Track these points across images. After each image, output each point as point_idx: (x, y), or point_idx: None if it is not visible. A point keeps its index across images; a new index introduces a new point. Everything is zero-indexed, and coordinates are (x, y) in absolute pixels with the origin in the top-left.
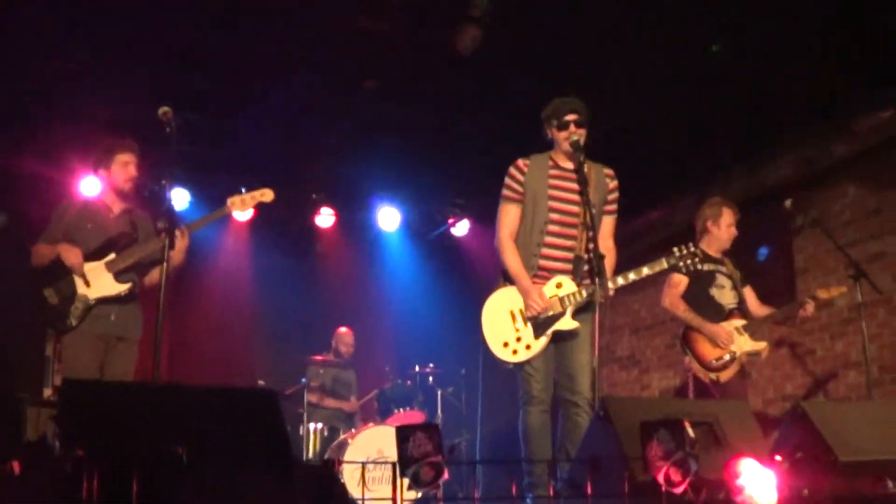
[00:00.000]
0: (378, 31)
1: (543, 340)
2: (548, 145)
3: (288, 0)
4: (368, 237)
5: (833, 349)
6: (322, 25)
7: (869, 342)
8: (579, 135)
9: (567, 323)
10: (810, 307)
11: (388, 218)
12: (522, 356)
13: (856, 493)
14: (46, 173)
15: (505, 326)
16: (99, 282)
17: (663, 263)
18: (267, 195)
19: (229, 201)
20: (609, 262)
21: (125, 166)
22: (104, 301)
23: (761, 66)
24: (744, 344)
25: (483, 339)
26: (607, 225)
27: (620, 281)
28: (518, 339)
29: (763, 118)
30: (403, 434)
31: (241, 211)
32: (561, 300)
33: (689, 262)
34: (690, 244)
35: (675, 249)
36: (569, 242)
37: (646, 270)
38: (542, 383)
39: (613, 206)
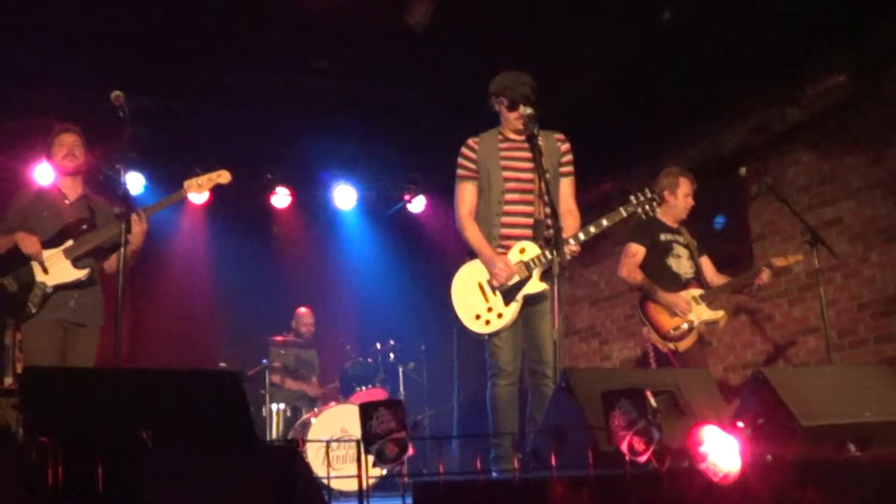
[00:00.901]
0: (329, 8)
1: (514, 307)
2: (496, 119)
3: None
4: (325, 216)
5: (791, 315)
6: (272, 4)
7: (827, 307)
8: (530, 113)
9: (535, 286)
10: (766, 275)
11: (345, 196)
12: (496, 325)
13: (818, 458)
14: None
15: (475, 299)
16: (57, 268)
17: (621, 212)
18: (223, 176)
19: (186, 184)
20: (573, 224)
21: (62, 147)
22: (63, 287)
23: (713, 32)
24: (701, 313)
25: (455, 316)
26: (566, 187)
27: (582, 236)
28: (489, 310)
29: (715, 85)
30: (367, 411)
31: (198, 193)
32: (526, 264)
33: (647, 207)
34: (646, 189)
35: (632, 196)
36: (527, 208)
37: (605, 222)
38: (510, 355)
39: (569, 168)
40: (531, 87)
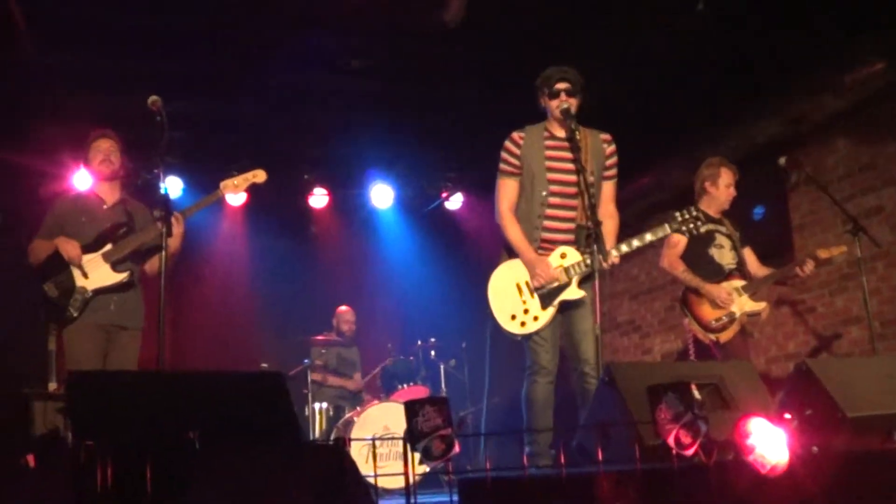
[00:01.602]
0: (365, 6)
1: (551, 311)
2: (542, 115)
3: None
4: (363, 215)
5: (834, 305)
6: (307, 4)
7: (870, 297)
8: (570, 103)
9: (573, 292)
10: (809, 266)
11: (382, 195)
12: (531, 328)
13: (864, 449)
14: (41, 169)
15: (512, 299)
16: (97, 273)
17: (666, 229)
18: (259, 176)
19: (222, 185)
20: (612, 227)
21: (99, 152)
22: (103, 291)
23: (748, 23)
24: (744, 304)
25: (490, 314)
26: (608, 190)
27: (624, 248)
28: (525, 311)
29: (752, 75)
30: (412, 409)
31: (235, 193)
32: (566, 270)
33: (691, 225)
34: (692, 207)
35: (678, 213)
36: (570, 213)
37: (649, 237)
38: (550, 353)
39: (612, 172)
40: (573, 78)
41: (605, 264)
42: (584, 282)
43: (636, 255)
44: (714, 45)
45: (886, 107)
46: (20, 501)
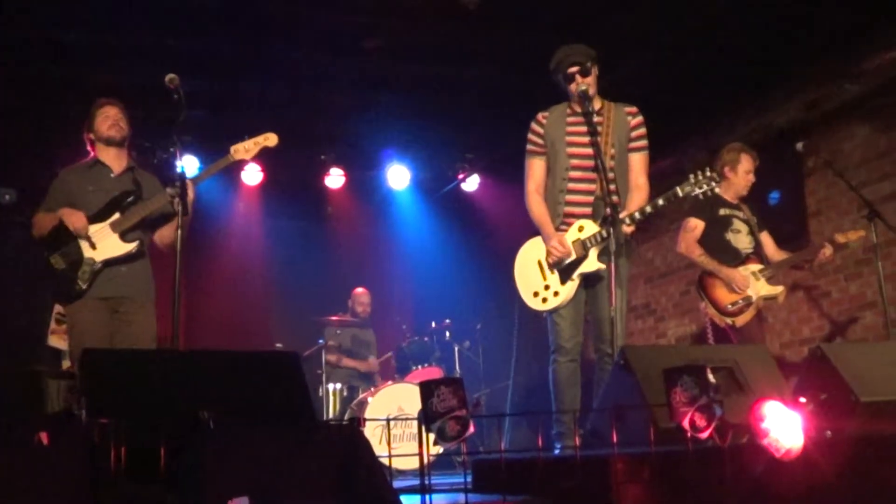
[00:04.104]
0: None
1: (570, 285)
2: (564, 95)
3: None
4: (379, 196)
5: (848, 291)
6: None
7: (885, 282)
8: (587, 84)
9: (592, 264)
10: (828, 251)
11: (398, 176)
12: (552, 303)
13: (877, 433)
14: (53, 148)
15: (534, 276)
16: (105, 243)
17: (678, 192)
18: (271, 139)
19: (233, 149)
20: (640, 199)
21: (108, 118)
22: (112, 262)
23: (767, 8)
24: (760, 288)
25: (516, 292)
26: (636, 162)
27: (637, 215)
28: (546, 288)
29: (770, 60)
30: (427, 389)
31: (247, 158)
32: (582, 243)
33: (704, 187)
34: (707, 168)
35: (691, 176)
36: (590, 186)
37: (661, 202)
38: (570, 332)
39: (640, 143)
40: (586, 54)
41: (625, 232)
42: (604, 254)
43: (651, 239)
44: (733, 31)
45: None
46: (33, 479)
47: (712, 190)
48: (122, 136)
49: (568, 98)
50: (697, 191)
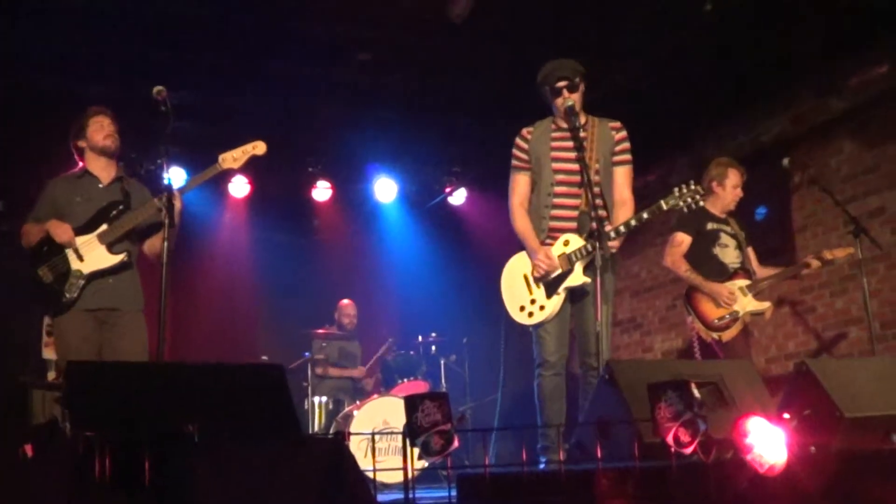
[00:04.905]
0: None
1: (556, 299)
2: (549, 109)
3: None
4: (366, 209)
5: (834, 306)
6: None
7: (870, 298)
8: (573, 99)
9: (577, 278)
10: (815, 266)
11: (385, 189)
12: (538, 318)
13: (861, 449)
14: (44, 157)
15: (520, 290)
16: (92, 255)
17: (662, 205)
18: (259, 147)
19: (221, 158)
20: (625, 213)
21: (102, 127)
22: (99, 274)
23: (755, 24)
24: (747, 304)
25: (503, 306)
26: (621, 176)
27: (622, 229)
28: (532, 302)
29: (757, 75)
30: (412, 403)
31: (235, 167)
32: (568, 257)
33: (689, 199)
34: (691, 182)
35: (675, 189)
36: (575, 201)
37: (645, 215)
38: (554, 346)
39: (623, 157)
40: (574, 69)
41: (610, 246)
42: (590, 268)
43: (638, 253)
44: (720, 46)
45: (890, 109)
46: (18, 492)
47: (697, 203)
48: (117, 146)
49: (552, 112)
50: (682, 204)
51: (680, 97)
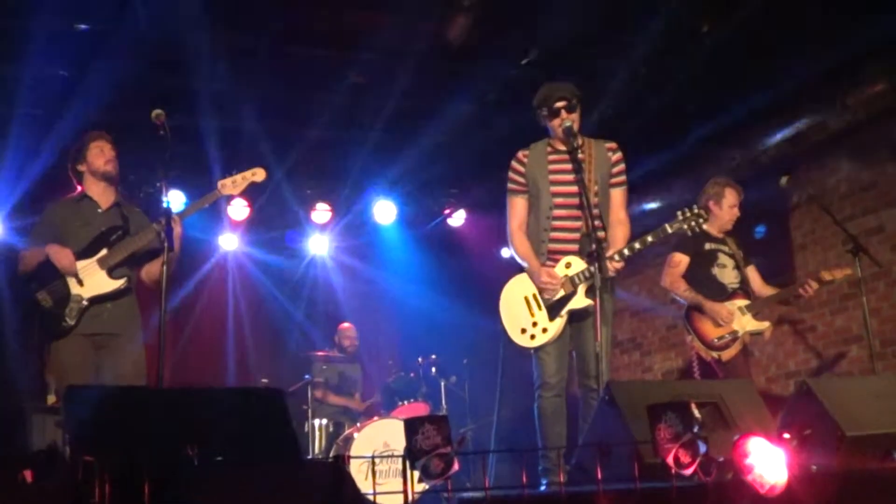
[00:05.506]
0: (368, 23)
1: (559, 322)
2: (545, 131)
3: None
4: (365, 231)
5: (834, 325)
6: (311, 20)
7: (870, 316)
8: (571, 120)
9: (580, 301)
10: (812, 287)
11: (384, 211)
12: (540, 340)
13: (863, 467)
14: (41, 181)
15: (521, 313)
16: (92, 280)
17: (667, 229)
18: (258, 174)
19: (220, 184)
20: (622, 234)
21: (103, 153)
22: (99, 299)
23: (751, 43)
24: (747, 323)
25: (502, 328)
26: (617, 197)
27: (626, 252)
28: (534, 324)
29: (755, 94)
30: (412, 426)
31: (234, 193)
32: (571, 279)
33: (692, 223)
34: (694, 206)
35: (679, 213)
36: (575, 224)
37: (649, 238)
38: (555, 367)
39: (620, 179)
40: (571, 93)
41: (610, 268)
42: (592, 291)
43: (637, 273)
44: (717, 65)
45: (887, 128)
46: None
47: (700, 227)
48: (117, 171)
49: (548, 134)
50: (685, 227)
51: (677, 117)
